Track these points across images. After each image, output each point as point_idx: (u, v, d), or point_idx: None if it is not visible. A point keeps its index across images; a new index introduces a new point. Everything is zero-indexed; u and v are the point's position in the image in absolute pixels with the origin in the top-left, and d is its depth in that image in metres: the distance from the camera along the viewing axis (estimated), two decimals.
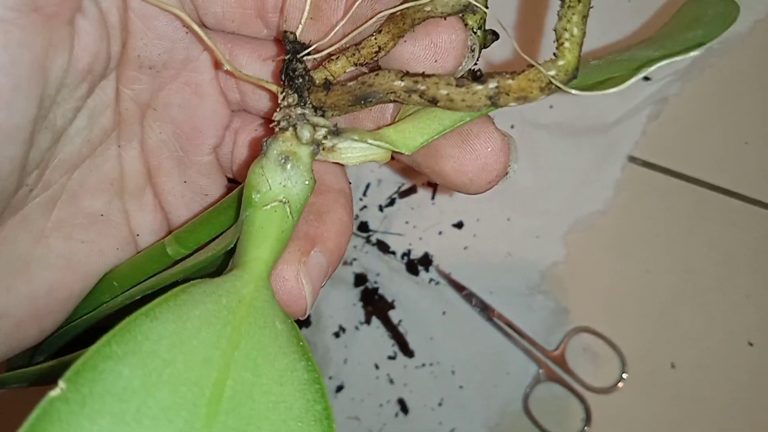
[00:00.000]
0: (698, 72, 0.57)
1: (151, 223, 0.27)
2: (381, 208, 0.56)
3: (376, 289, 0.54)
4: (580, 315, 0.55)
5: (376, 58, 0.23)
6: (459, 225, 0.55)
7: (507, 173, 0.23)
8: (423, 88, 0.21)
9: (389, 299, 0.54)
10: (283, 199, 0.21)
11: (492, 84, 0.20)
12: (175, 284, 0.20)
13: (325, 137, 0.22)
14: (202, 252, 0.24)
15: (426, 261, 0.55)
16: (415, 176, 0.56)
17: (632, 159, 0.57)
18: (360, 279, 0.54)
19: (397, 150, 0.22)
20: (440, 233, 0.55)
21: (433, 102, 0.21)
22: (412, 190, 0.56)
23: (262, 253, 0.21)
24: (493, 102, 0.20)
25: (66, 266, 0.25)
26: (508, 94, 0.20)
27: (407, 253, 0.55)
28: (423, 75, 0.21)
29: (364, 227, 0.55)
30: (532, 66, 0.20)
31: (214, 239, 0.25)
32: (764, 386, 0.54)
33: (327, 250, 0.24)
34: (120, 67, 0.24)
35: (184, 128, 0.26)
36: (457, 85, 0.20)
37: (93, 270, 0.26)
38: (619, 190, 0.56)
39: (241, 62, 0.26)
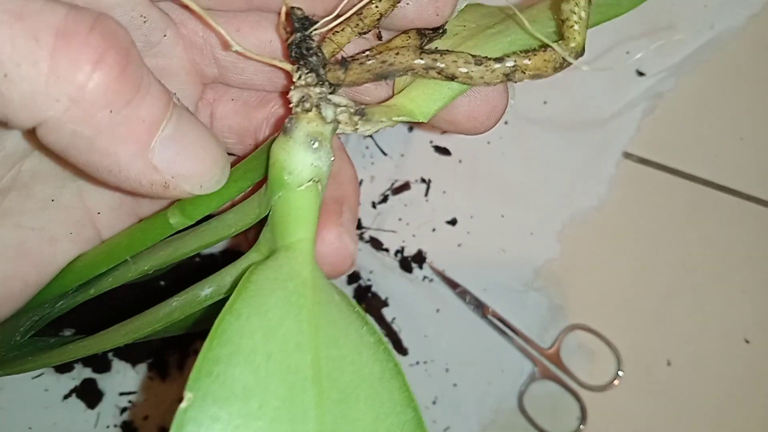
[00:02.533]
0: (693, 67, 0.57)
1: (110, 200, 0.27)
2: (374, 205, 0.55)
3: (369, 287, 0.54)
4: (575, 312, 0.54)
5: (377, 25, 0.24)
6: (452, 222, 0.55)
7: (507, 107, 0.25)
8: (442, 66, 0.22)
9: (382, 297, 0.54)
10: (315, 178, 0.22)
11: (509, 63, 0.21)
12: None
13: (351, 118, 0.22)
14: (219, 226, 0.25)
15: (419, 258, 0.54)
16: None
17: (627, 155, 0.56)
18: (353, 276, 0.54)
19: (416, 120, 0.23)
20: (434, 230, 0.55)
21: (451, 78, 0.22)
22: (405, 187, 0.55)
23: (307, 233, 0.22)
24: (509, 78, 0.22)
25: (17, 256, 0.24)
26: (524, 72, 0.21)
27: (400, 251, 0.55)
28: (441, 53, 0.22)
29: (356, 224, 0.55)
30: (547, 47, 0.21)
31: (218, 212, 0.26)
32: (760, 383, 0.54)
33: (351, 206, 0.25)
34: None
35: None
36: (475, 63, 0.21)
37: (46, 258, 0.25)
38: (614, 186, 0.56)
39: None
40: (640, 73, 0.56)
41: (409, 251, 0.55)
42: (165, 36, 0.25)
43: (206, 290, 0.25)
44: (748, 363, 0.54)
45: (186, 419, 0.17)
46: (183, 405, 0.17)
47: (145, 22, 0.24)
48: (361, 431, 0.19)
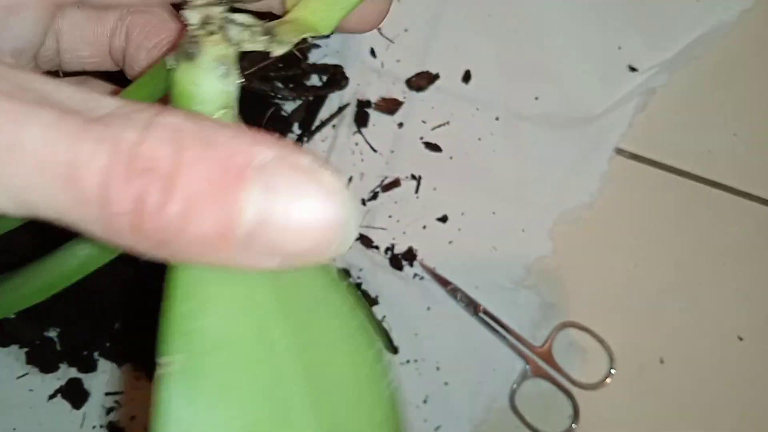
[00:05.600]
0: (686, 63, 0.56)
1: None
2: (364, 202, 0.55)
3: (359, 285, 0.53)
4: (567, 310, 0.54)
5: None
6: (443, 219, 0.54)
7: None
8: None
9: (372, 295, 0.53)
10: (227, 105, 0.20)
11: None
12: None
13: (257, 38, 0.21)
14: None
15: (410, 256, 0.54)
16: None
17: (619, 151, 0.56)
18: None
19: (319, 34, 0.22)
20: (424, 227, 0.54)
21: None
22: (395, 184, 0.55)
23: None
24: None
25: None
26: None
27: (391, 248, 0.54)
28: None
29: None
30: None
31: None
32: (754, 381, 0.53)
33: None
34: None
35: None
36: None
37: None
38: (606, 183, 0.55)
39: None
40: (633, 69, 0.56)
41: (400, 249, 0.54)
42: None
43: None
44: (741, 361, 0.53)
45: (170, 382, 0.15)
46: (161, 371, 0.15)
47: None
48: (329, 348, 0.19)
